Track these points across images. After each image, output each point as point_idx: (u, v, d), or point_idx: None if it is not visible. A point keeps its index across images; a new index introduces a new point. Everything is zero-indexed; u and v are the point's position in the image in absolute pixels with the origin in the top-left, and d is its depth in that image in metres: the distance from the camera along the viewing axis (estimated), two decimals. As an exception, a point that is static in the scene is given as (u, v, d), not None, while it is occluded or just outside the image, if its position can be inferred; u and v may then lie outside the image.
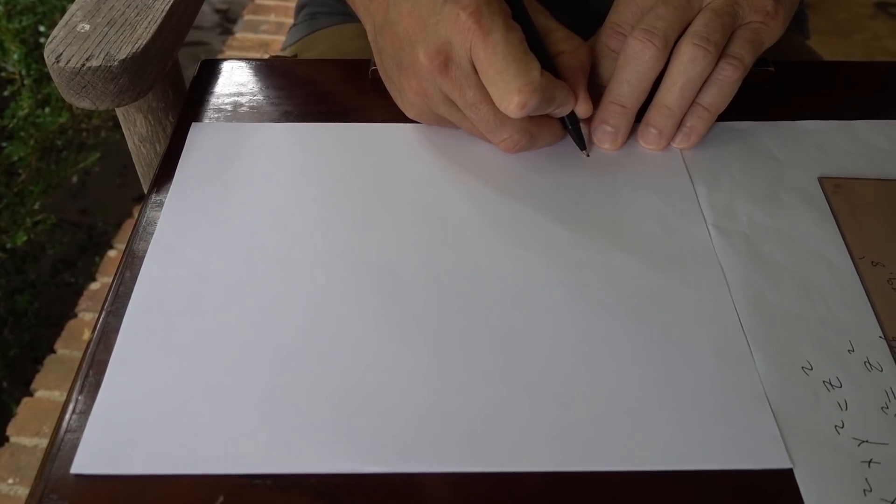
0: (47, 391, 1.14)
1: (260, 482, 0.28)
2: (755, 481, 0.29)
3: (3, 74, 1.52)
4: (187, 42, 0.48)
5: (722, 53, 0.39)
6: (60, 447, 0.29)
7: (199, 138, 0.42)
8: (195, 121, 0.43)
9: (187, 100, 0.45)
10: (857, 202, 0.39)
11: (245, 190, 0.39)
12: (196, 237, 0.36)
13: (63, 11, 1.55)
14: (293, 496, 0.28)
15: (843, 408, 0.30)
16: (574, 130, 0.40)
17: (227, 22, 1.84)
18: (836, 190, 0.39)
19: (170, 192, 0.39)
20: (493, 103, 0.36)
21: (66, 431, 0.30)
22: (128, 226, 1.37)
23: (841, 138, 0.42)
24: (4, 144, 1.43)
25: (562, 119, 0.40)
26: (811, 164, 0.41)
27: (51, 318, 1.23)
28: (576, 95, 0.39)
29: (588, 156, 0.41)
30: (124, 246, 0.36)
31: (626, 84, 0.40)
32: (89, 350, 0.33)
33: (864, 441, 0.29)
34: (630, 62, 0.39)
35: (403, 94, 0.40)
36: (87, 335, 1.20)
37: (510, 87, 0.35)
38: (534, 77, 0.35)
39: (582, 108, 0.40)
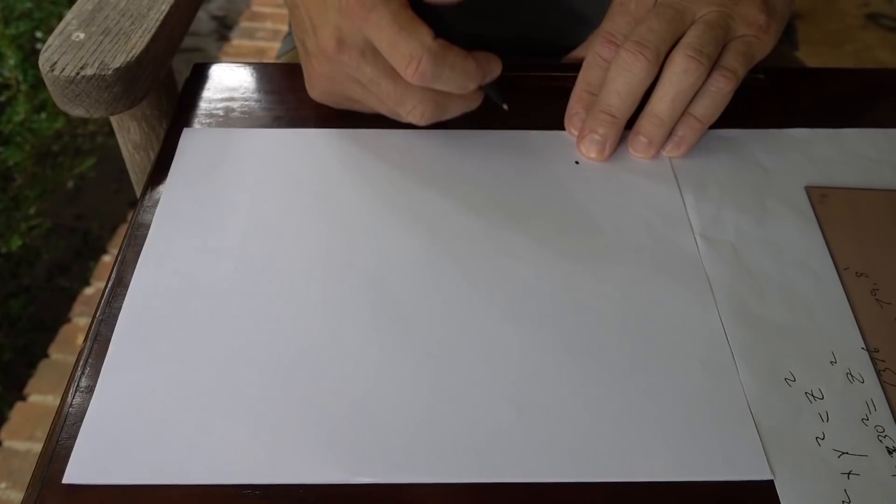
0: (41, 395, 1.14)
1: (249, 492, 0.29)
2: (736, 492, 0.29)
3: (0, 80, 1.52)
4: (183, 48, 0.48)
5: (714, 65, 0.40)
6: (52, 457, 0.30)
7: (191, 144, 0.42)
8: (187, 126, 0.43)
9: (179, 104, 0.45)
10: (842, 212, 0.39)
11: (236, 196, 0.39)
12: (187, 244, 0.37)
13: (60, 18, 1.55)
14: (282, 506, 0.29)
15: (825, 419, 0.31)
16: (488, 87, 0.40)
17: (224, 28, 1.84)
18: (823, 199, 0.40)
19: (161, 198, 0.39)
20: (391, 77, 0.37)
21: (58, 441, 0.30)
22: (122, 231, 1.38)
23: (828, 147, 0.43)
24: (0, 149, 1.43)
25: None
26: (798, 173, 0.41)
27: (45, 322, 1.23)
28: (473, 57, 0.38)
29: (506, 109, 0.41)
30: (116, 255, 0.37)
31: (616, 94, 0.40)
32: (81, 358, 0.33)
33: (844, 453, 0.30)
34: (621, 73, 0.40)
35: (309, 76, 0.42)
36: (80, 340, 1.20)
37: (403, 56, 0.35)
38: (423, 40, 0.35)
39: (490, 66, 0.39)
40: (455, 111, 0.40)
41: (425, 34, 0.36)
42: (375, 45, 0.36)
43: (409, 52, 0.35)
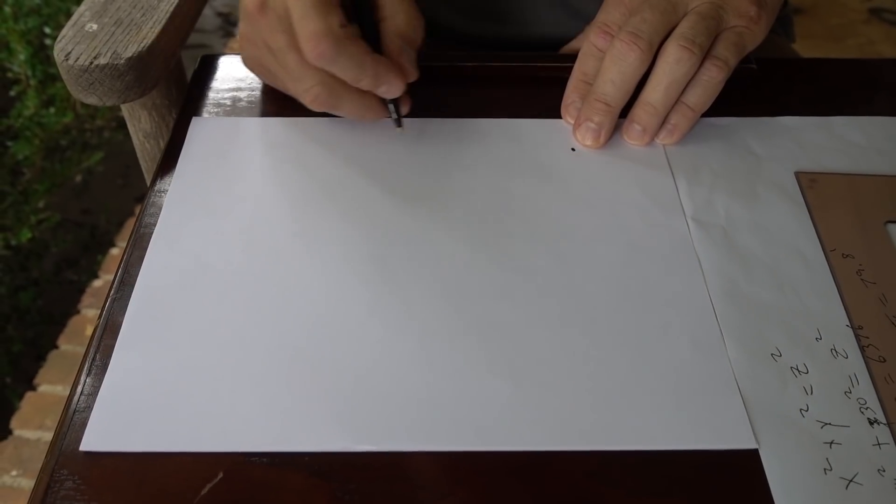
0: (50, 386, 1.15)
1: (257, 459, 0.30)
2: (723, 460, 0.30)
3: (10, 75, 1.54)
4: (190, 45, 0.50)
5: (706, 55, 0.41)
6: (70, 426, 0.31)
7: (200, 132, 0.43)
8: (196, 115, 0.44)
9: (188, 94, 0.46)
10: (830, 196, 0.40)
11: (243, 182, 0.40)
12: (196, 228, 0.38)
13: (68, 13, 1.57)
14: (288, 473, 0.30)
15: (809, 392, 0.32)
16: (391, 104, 0.41)
17: (229, 25, 1.86)
18: (812, 184, 0.41)
19: (171, 184, 0.40)
20: (298, 51, 0.38)
21: (75, 412, 0.32)
22: (129, 225, 1.39)
23: (818, 134, 0.44)
24: (10, 143, 1.45)
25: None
26: (789, 159, 0.42)
27: (54, 314, 1.25)
28: (397, 69, 0.39)
29: (401, 130, 0.42)
30: (126, 244, 0.38)
31: (610, 83, 0.41)
32: (96, 335, 0.34)
33: (827, 423, 0.31)
34: (615, 62, 0.41)
35: (239, 39, 0.43)
36: (89, 331, 1.22)
37: (308, 32, 0.37)
38: (330, 23, 0.37)
39: (392, 82, 0.39)
40: (350, 109, 0.40)
41: (335, 18, 0.37)
42: (289, 15, 0.37)
43: (313, 29, 0.36)
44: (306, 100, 0.40)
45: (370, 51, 0.38)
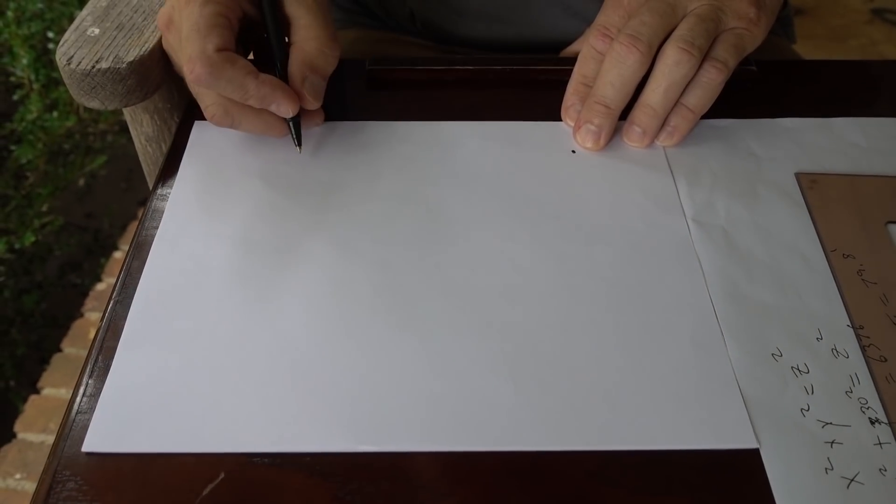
0: (54, 389, 1.16)
1: (259, 460, 0.30)
2: (724, 460, 0.30)
3: (13, 79, 1.55)
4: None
5: (706, 56, 0.41)
6: (72, 428, 0.31)
7: (202, 136, 0.44)
8: (197, 119, 0.45)
9: (190, 98, 0.47)
10: (831, 197, 0.40)
11: (245, 186, 0.41)
12: (199, 230, 0.38)
13: (71, 18, 1.58)
14: (289, 473, 0.30)
15: (810, 392, 0.32)
16: (293, 123, 0.41)
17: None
18: (812, 185, 0.41)
19: (174, 187, 0.41)
20: None
21: (77, 413, 0.32)
22: (132, 228, 1.40)
23: (819, 135, 0.44)
24: (13, 147, 1.46)
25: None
26: (789, 161, 0.42)
27: (57, 318, 1.25)
28: (287, 90, 0.40)
29: (300, 152, 0.42)
30: (128, 247, 0.38)
31: (610, 86, 0.41)
32: (98, 337, 0.34)
33: (827, 423, 0.31)
34: (615, 65, 0.41)
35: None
36: (92, 334, 1.22)
37: (186, 55, 0.37)
38: (205, 47, 0.37)
39: (280, 101, 0.40)
40: (249, 127, 0.41)
41: (212, 42, 0.37)
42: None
43: (189, 52, 0.37)
44: (206, 116, 0.40)
45: (253, 72, 0.39)
